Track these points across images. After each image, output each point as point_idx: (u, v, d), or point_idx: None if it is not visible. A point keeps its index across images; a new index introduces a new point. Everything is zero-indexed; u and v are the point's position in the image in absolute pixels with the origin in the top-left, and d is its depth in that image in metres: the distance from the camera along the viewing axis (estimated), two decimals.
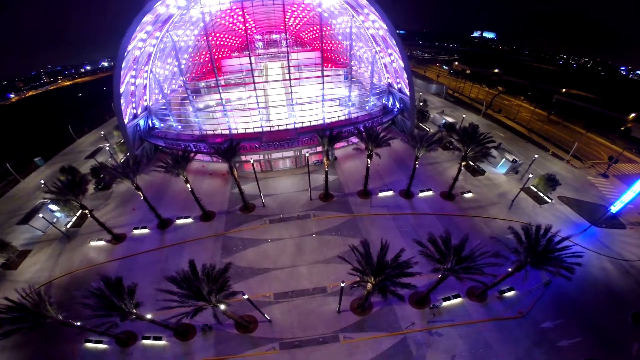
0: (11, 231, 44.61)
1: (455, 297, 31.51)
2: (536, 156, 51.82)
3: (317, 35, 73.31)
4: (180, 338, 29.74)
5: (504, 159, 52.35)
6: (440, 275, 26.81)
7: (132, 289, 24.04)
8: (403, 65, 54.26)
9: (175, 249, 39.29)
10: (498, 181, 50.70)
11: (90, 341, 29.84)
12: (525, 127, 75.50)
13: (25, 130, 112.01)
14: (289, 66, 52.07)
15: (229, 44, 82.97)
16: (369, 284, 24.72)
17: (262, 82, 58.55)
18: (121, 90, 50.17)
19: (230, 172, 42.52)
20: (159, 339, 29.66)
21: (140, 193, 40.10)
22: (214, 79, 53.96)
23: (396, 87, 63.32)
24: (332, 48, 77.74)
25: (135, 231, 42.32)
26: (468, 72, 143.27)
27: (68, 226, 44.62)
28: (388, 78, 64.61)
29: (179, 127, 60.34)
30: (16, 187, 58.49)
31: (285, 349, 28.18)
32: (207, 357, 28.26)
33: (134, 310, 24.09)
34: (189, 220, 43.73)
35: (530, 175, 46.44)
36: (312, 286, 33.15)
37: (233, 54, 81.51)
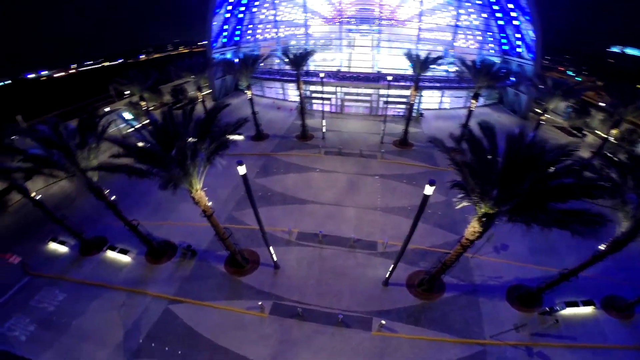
0: None
1: (585, 304, 18.07)
2: None
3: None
4: (151, 258, 22.04)
5: None
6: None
7: None
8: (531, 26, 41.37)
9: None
10: None
11: (55, 240, 23.98)
12: None
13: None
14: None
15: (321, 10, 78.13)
16: (482, 209, 12.53)
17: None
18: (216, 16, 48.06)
19: (300, 103, 35.91)
20: (125, 252, 22.34)
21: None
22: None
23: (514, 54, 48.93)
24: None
25: None
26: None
27: None
28: (504, 45, 51.15)
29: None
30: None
31: (278, 314, 18.08)
32: (163, 293, 19.63)
33: None
34: (241, 137, 38.06)
35: None
36: (357, 236, 22.46)
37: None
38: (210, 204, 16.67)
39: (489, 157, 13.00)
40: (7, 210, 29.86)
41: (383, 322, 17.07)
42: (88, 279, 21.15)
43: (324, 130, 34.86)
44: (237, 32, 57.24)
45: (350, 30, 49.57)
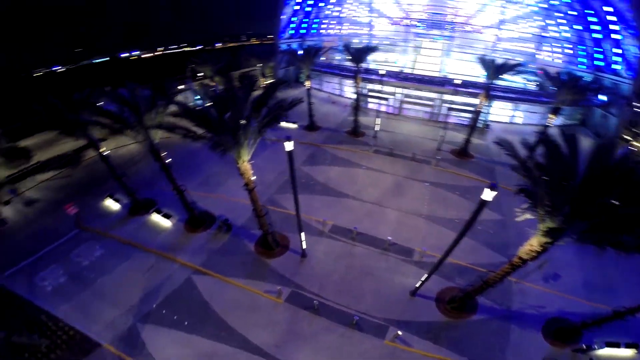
0: None
1: (629, 346, 15.32)
2: None
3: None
4: (189, 227, 23.03)
5: None
6: None
7: None
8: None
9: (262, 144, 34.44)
10: None
11: (111, 197, 26.29)
12: None
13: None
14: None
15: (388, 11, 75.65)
16: (548, 224, 10.62)
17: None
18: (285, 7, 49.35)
19: (356, 100, 34.89)
20: (168, 217, 23.60)
21: None
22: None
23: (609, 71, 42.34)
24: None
25: None
26: None
27: None
28: (598, 61, 44.61)
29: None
30: None
31: (294, 303, 17.60)
32: (191, 262, 20.32)
33: None
34: (294, 125, 38.08)
35: None
36: (393, 240, 20.89)
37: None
38: (254, 178, 16.71)
39: (568, 163, 10.99)
40: (79, 165, 33.87)
41: (399, 332, 15.79)
42: (127, 238, 22.70)
43: (377, 129, 33.66)
44: (304, 26, 58.23)
45: (418, 34, 47.43)
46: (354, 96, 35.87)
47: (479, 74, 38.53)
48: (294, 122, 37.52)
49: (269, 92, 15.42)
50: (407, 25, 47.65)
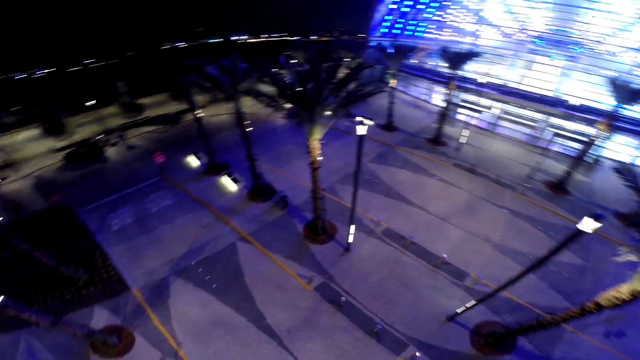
0: None
1: None
2: None
3: None
4: (251, 195, 24.39)
5: None
6: None
7: None
8: None
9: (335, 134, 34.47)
10: None
11: (195, 154, 29.96)
12: None
13: None
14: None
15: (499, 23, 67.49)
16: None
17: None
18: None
19: (445, 107, 32.14)
20: (236, 182, 25.38)
21: None
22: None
23: None
24: None
25: None
26: None
27: None
28: None
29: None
30: None
31: (321, 294, 17.15)
32: (241, 229, 21.17)
33: None
34: (370, 122, 37.29)
35: None
36: (448, 259, 18.83)
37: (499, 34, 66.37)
38: (320, 159, 16.66)
39: None
40: (177, 125, 38.87)
41: (417, 354, 14.18)
42: (196, 194, 25.05)
43: (462, 141, 30.75)
44: (398, 26, 56.14)
45: (534, 51, 41.56)
46: (443, 104, 33.33)
47: (603, 99, 32.17)
48: (370, 119, 36.63)
49: (352, 74, 15.15)
50: (520, 40, 42.25)
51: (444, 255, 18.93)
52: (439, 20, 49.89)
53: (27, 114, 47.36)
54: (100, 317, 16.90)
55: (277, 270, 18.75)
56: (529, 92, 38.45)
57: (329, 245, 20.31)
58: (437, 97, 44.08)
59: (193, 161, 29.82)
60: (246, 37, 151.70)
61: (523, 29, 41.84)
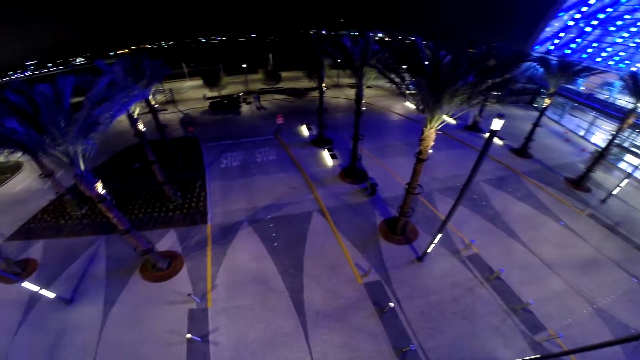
0: None
1: None
2: None
3: None
4: (343, 174, 24.99)
5: None
6: None
7: None
8: None
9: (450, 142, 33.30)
10: None
11: (307, 125, 33.58)
12: None
13: None
14: None
15: None
16: None
17: None
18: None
19: (605, 147, 24.99)
20: (333, 157, 27.16)
21: None
22: None
23: None
24: None
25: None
26: None
27: None
28: None
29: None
30: None
31: (367, 292, 15.77)
32: (323, 201, 21.52)
33: None
34: (500, 142, 31.80)
35: None
36: (532, 307, 15.06)
37: None
38: (431, 151, 15.26)
39: None
40: (302, 98, 44.51)
41: None
42: (296, 158, 27.94)
43: (614, 192, 23.89)
44: (573, 46, 46.26)
45: None
46: (604, 143, 26.26)
47: None
48: (501, 138, 32.20)
49: (500, 65, 13.02)
50: None
51: (530, 302, 15.20)
52: (634, 47, 39.00)
53: (198, 68, 60.13)
54: (167, 240, 18.36)
55: (337, 252, 18.11)
56: None
57: (401, 248, 18.65)
58: (599, 134, 35.23)
59: (304, 130, 32.84)
60: (381, 34, 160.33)
61: None
